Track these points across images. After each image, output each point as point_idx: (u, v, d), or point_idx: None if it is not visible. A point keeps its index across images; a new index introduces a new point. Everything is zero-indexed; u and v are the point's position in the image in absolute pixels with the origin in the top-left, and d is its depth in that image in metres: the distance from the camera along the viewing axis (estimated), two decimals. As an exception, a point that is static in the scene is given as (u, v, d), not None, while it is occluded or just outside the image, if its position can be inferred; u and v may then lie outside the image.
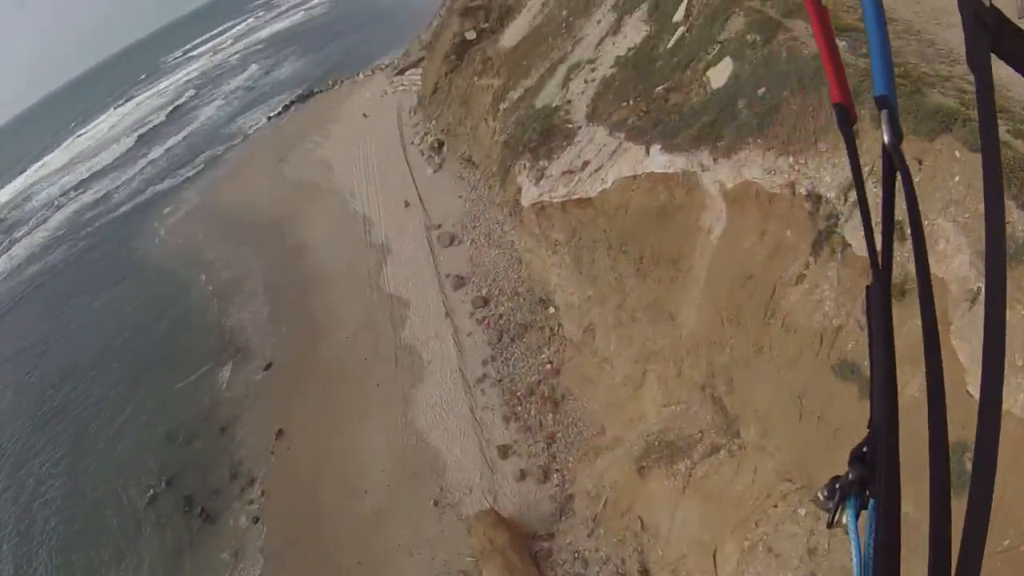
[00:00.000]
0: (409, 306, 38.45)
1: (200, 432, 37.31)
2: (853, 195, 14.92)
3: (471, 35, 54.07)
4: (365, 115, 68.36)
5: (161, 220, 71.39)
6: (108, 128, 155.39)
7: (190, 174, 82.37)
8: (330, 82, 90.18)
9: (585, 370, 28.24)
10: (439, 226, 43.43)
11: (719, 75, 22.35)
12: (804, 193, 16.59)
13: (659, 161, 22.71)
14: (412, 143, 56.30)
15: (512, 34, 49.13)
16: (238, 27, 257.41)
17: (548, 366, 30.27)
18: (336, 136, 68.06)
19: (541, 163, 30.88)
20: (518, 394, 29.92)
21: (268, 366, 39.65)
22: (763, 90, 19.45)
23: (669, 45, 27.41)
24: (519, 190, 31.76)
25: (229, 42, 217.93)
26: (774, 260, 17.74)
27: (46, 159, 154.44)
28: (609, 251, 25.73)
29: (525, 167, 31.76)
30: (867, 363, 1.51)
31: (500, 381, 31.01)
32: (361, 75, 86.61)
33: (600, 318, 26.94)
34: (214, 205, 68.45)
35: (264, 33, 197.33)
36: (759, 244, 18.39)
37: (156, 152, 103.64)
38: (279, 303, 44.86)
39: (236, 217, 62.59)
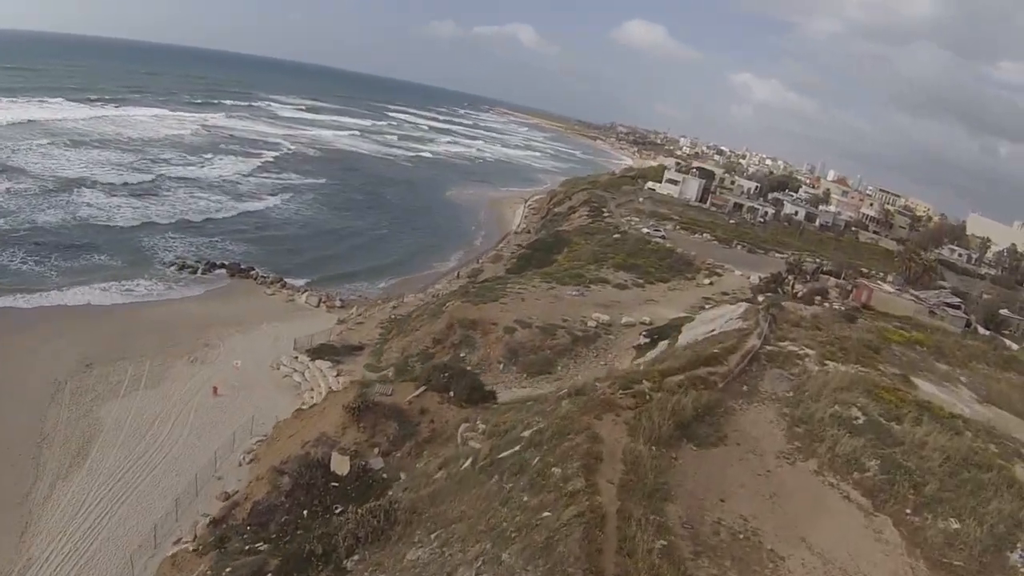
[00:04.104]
0: None
1: None
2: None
3: (377, 394, 31.35)
4: (215, 392, 46.32)
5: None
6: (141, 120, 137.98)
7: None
8: (271, 278, 69.39)
9: None
10: None
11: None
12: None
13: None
14: (174, 538, 33.19)
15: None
16: (386, 121, 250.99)
17: None
18: (166, 388, 45.90)
19: None
20: None
21: None
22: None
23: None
24: None
25: (352, 132, 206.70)
26: None
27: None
28: None
29: None
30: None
31: None
32: (310, 296, 65.85)
33: None
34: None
35: (364, 147, 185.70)
36: None
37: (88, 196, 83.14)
38: None
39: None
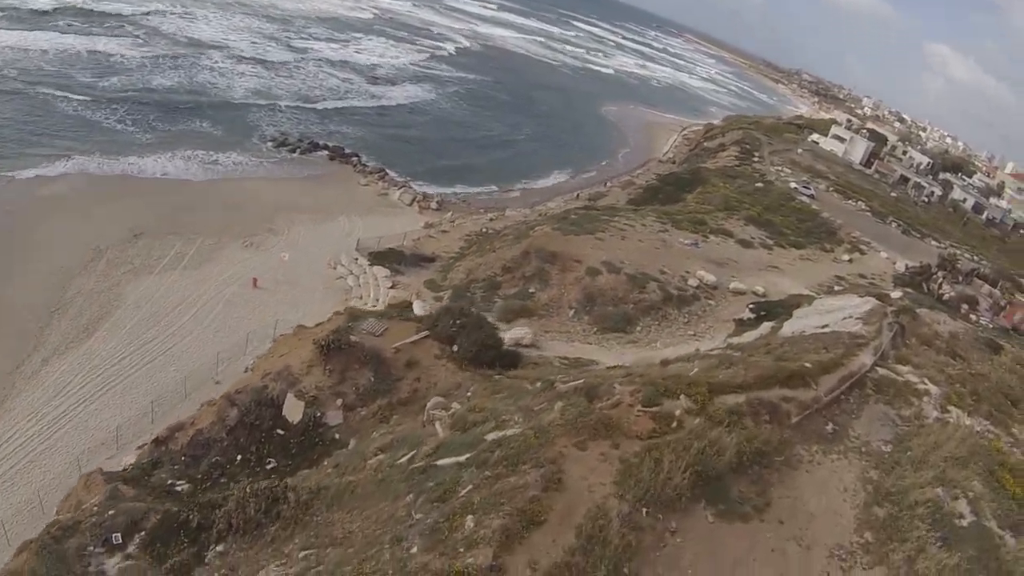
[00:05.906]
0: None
1: None
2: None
3: (363, 331, 24.61)
4: (255, 284, 41.56)
5: None
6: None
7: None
8: (371, 168, 63.76)
9: None
10: None
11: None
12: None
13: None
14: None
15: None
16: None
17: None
18: (206, 271, 41.76)
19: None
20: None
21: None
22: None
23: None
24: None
25: (525, 36, 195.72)
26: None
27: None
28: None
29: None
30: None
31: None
32: (404, 193, 59.87)
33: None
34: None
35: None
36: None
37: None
38: None
39: None
